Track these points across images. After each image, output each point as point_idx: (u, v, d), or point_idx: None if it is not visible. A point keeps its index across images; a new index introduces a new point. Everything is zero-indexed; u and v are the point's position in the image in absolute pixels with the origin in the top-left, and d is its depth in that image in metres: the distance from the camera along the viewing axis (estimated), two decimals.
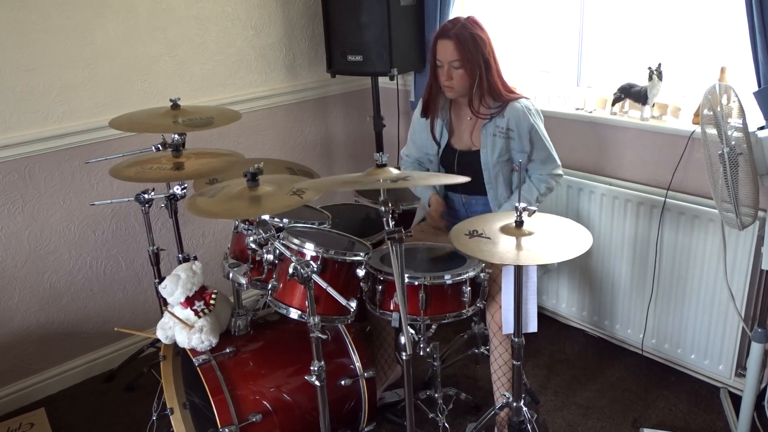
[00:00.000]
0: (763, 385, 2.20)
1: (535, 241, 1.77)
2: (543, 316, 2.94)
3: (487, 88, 2.22)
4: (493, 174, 2.29)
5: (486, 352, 2.57)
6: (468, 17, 2.21)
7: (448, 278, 1.90)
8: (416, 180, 1.71)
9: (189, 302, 1.96)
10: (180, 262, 2.33)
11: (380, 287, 1.94)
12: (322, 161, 3.39)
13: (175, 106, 2.24)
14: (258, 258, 1.94)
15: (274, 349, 2.09)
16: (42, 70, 2.41)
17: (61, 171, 2.55)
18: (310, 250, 1.84)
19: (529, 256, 1.72)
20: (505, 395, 2.10)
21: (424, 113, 2.38)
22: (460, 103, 2.33)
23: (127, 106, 2.62)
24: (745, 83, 2.14)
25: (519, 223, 1.81)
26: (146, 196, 2.32)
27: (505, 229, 1.82)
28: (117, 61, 2.59)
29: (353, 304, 1.80)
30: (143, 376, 2.68)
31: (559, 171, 2.33)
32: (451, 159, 2.36)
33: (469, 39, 2.15)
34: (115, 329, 2.24)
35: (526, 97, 2.28)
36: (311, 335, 1.71)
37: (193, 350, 1.95)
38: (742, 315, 2.27)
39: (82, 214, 2.64)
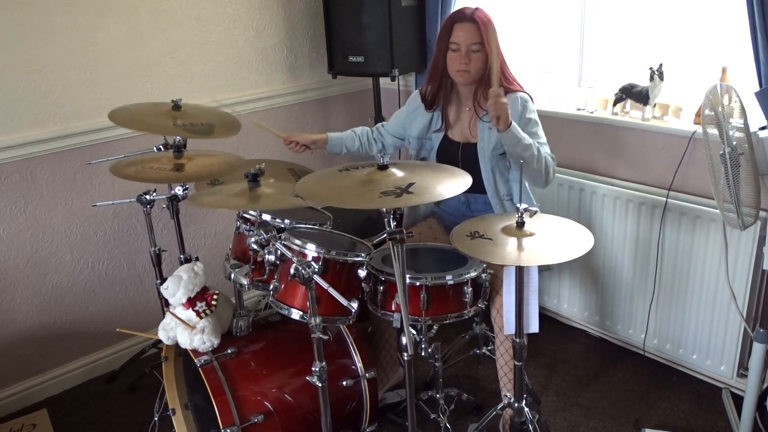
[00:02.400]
0: (765, 385, 2.19)
1: (537, 242, 1.77)
2: (544, 317, 2.94)
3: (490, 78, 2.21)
4: (490, 168, 2.28)
5: (487, 353, 2.58)
6: (478, 7, 2.21)
7: (449, 279, 1.90)
8: (422, 194, 1.60)
9: (190, 303, 1.96)
10: (181, 263, 2.33)
11: (382, 288, 1.94)
12: (324, 162, 3.39)
13: (177, 107, 2.25)
14: (259, 259, 1.94)
15: (276, 350, 2.10)
16: (44, 71, 2.42)
17: (63, 172, 2.55)
18: (311, 250, 1.84)
19: (531, 257, 1.72)
20: (506, 396, 2.10)
21: (431, 105, 2.35)
22: (460, 94, 2.32)
23: None
24: (747, 83, 2.14)
25: (520, 224, 1.81)
26: (148, 197, 2.32)
27: (506, 230, 1.82)
28: (119, 62, 2.59)
29: (355, 305, 1.80)
30: (145, 377, 2.68)
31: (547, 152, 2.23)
32: (449, 151, 2.35)
33: (489, 24, 2.16)
34: (117, 330, 2.24)
35: (525, 92, 2.27)
36: (313, 336, 1.71)
37: (194, 351, 1.95)
38: (744, 315, 2.27)
39: (84, 215, 2.64)
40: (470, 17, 2.17)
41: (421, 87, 2.41)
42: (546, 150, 2.22)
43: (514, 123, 2.07)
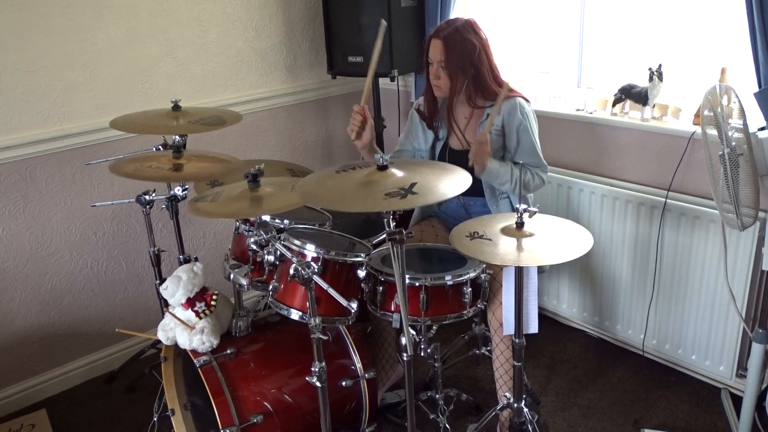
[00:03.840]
0: (764, 385, 2.19)
1: (536, 243, 1.77)
2: (544, 317, 2.94)
3: (478, 89, 2.23)
4: None
5: (487, 353, 2.58)
6: (466, 20, 2.22)
7: (449, 279, 1.90)
8: (426, 194, 1.61)
9: (190, 303, 1.96)
10: (181, 264, 2.33)
11: (381, 288, 1.94)
12: (323, 162, 3.39)
13: (176, 107, 2.25)
14: (259, 259, 1.94)
15: (275, 350, 2.10)
16: (43, 71, 2.42)
17: (62, 172, 2.55)
18: (311, 251, 1.84)
19: (530, 258, 1.72)
20: (506, 396, 2.11)
21: (430, 121, 2.37)
22: (460, 105, 2.33)
23: (128, 107, 2.62)
24: (746, 84, 2.14)
25: (520, 225, 1.82)
26: (147, 197, 2.32)
27: (505, 231, 1.82)
28: (118, 63, 2.59)
29: (354, 305, 1.80)
30: (144, 378, 2.68)
31: (544, 175, 2.28)
32: (448, 158, 2.36)
33: (458, 43, 2.16)
34: (116, 330, 2.24)
35: (524, 97, 2.27)
36: (312, 336, 1.71)
37: (194, 351, 1.95)
38: (743, 316, 2.27)
39: (83, 215, 2.64)
40: (440, 35, 2.17)
41: (417, 104, 2.42)
42: (539, 160, 2.25)
43: (490, 163, 2.14)
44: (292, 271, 1.66)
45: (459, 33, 2.17)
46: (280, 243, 1.83)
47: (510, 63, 3.01)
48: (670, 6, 2.50)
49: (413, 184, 1.61)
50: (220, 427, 1.84)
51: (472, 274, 1.93)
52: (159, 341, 2.03)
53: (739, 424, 2.15)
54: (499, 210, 2.31)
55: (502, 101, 2.23)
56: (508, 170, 2.21)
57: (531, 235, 1.79)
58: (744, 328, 2.29)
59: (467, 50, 2.17)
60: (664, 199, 2.41)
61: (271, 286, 1.89)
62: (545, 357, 2.75)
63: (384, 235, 1.64)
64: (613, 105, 2.57)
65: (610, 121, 2.58)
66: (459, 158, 2.31)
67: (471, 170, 2.21)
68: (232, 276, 1.94)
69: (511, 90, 2.27)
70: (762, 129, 1.92)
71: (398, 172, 1.68)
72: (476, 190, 2.31)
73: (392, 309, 1.93)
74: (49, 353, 2.67)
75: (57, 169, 2.53)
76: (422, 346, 2.06)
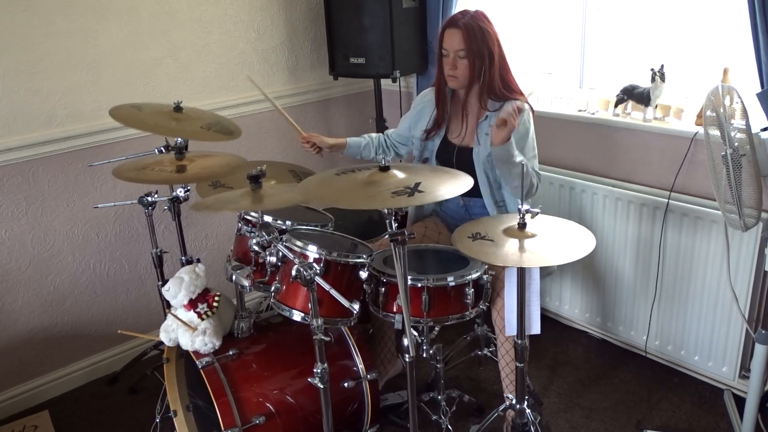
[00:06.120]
0: (767, 386, 2.19)
1: (538, 243, 1.77)
2: (546, 318, 2.93)
3: (487, 82, 2.22)
4: (484, 172, 2.28)
5: (489, 354, 2.58)
6: (477, 10, 2.22)
7: (451, 280, 1.90)
8: (432, 191, 1.63)
9: (192, 304, 1.97)
10: (183, 265, 2.33)
11: (383, 289, 1.94)
12: (325, 164, 3.39)
13: (178, 108, 2.25)
14: (261, 260, 1.94)
15: (277, 352, 2.10)
16: (45, 73, 2.42)
17: (65, 174, 2.55)
18: (313, 252, 1.84)
19: (533, 258, 1.71)
20: (508, 397, 2.10)
21: (439, 112, 2.36)
22: (459, 98, 2.32)
23: None
24: (748, 84, 2.13)
25: (522, 226, 1.81)
26: (149, 198, 2.33)
27: (508, 232, 1.82)
28: (120, 64, 2.60)
29: (356, 306, 1.80)
30: (146, 379, 2.68)
31: (536, 180, 2.23)
32: (446, 154, 2.35)
33: (477, 30, 2.16)
34: (119, 331, 2.24)
35: (525, 100, 2.27)
36: (314, 337, 1.71)
37: (196, 352, 1.95)
38: (746, 316, 2.27)
39: (86, 216, 2.64)
40: (458, 24, 2.17)
41: (424, 95, 2.42)
42: (534, 164, 2.23)
43: (512, 141, 2.07)
44: (294, 273, 1.66)
45: (476, 21, 2.17)
46: (282, 244, 1.83)
47: (512, 63, 3.00)
48: (672, 6, 2.49)
49: (418, 183, 1.62)
50: (222, 429, 1.84)
51: (475, 275, 1.93)
52: (161, 342, 2.03)
53: (742, 426, 2.15)
54: (498, 212, 2.30)
55: (502, 104, 2.23)
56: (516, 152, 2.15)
57: (533, 236, 1.79)
58: (747, 329, 2.28)
59: (485, 38, 2.17)
60: (666, 200, 2.40)
61: (273, 288, 1.89)
62: (547, 358, 2.75)
63: (386, 236, 1.64)
64: (616, 106, 2.57)
65: (613, 122, 2.58)
66: (461, 153, 2.31)
67: (467, 171, 2.21)
68: (234, 277, 1.94)
69: (514, 91, 2.27)
70: (765, 129, 1.92)
71: (400, 174, 1.68)
72: (475, 191, 2.31)
73: (394, 310, 1.93)
74: (51, 355, 2.67)
75: (59, 170, 2.54)
76: (424, 347, 2.05)
